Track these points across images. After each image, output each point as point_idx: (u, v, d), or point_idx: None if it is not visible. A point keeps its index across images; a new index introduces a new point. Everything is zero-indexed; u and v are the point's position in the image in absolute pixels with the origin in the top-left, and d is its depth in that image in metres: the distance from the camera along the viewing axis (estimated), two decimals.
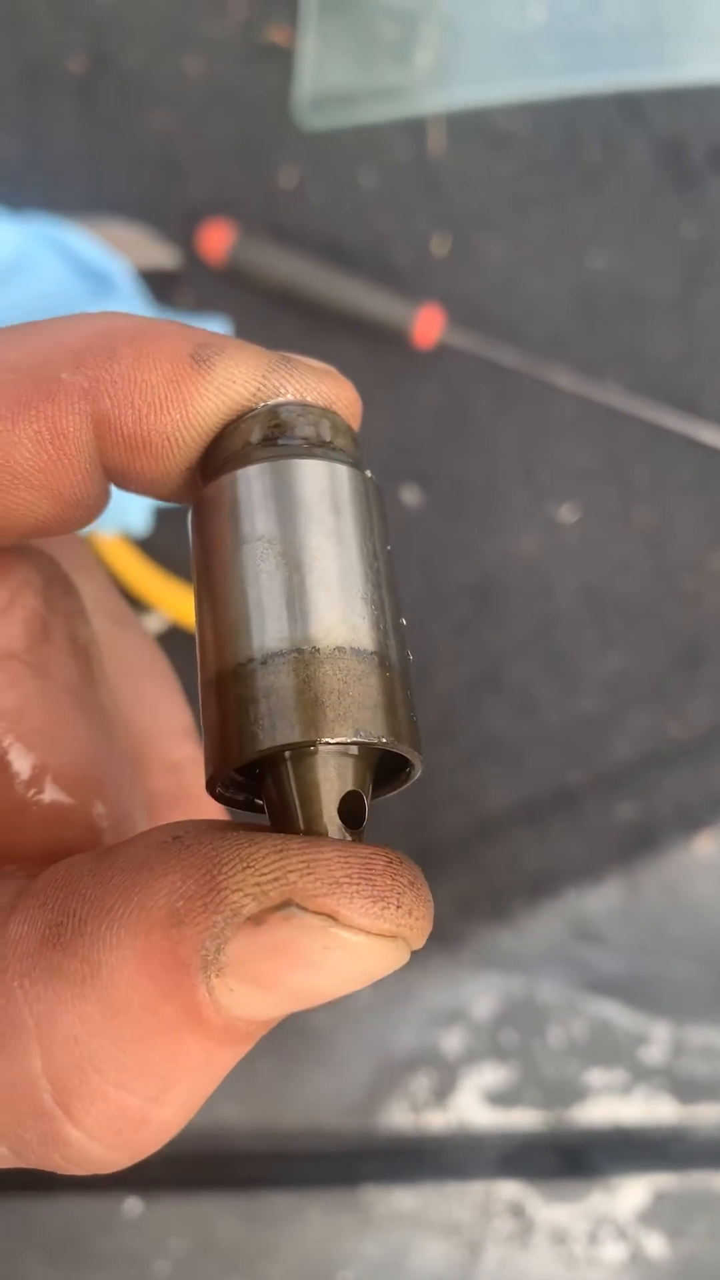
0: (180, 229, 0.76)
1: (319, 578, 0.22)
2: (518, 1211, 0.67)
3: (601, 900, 0.70)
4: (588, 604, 0.73)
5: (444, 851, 0.70)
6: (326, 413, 0.24)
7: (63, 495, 0.24)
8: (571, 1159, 0.68)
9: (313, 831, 0.21)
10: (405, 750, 0.22)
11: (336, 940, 0.19)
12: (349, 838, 0.21)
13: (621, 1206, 0.67)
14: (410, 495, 0.74)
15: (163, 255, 0.74)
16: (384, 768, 0.23)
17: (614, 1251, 0.66)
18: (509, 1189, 0.67)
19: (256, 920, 0.19)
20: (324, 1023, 0.69)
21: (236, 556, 0.22)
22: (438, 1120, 0.68)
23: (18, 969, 0.20)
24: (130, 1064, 0.19)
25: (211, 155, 0.78)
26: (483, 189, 0.77)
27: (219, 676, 0.22)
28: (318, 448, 0.24)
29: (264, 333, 0.75)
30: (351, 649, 0.21)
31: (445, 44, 0.77)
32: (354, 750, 0.22)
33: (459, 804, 0.70)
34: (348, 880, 0.19)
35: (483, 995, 0.69)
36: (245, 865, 0.19)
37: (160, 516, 0.72)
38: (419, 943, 0.20)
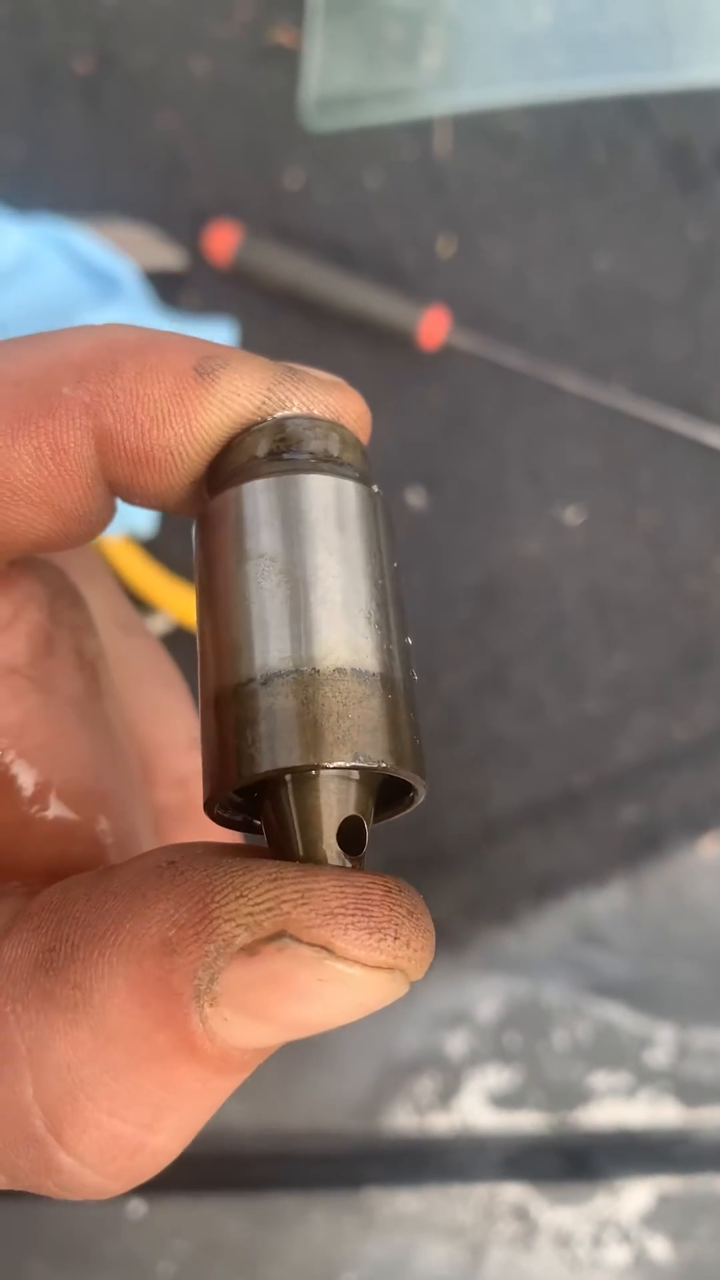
0: (186, 230, 0.76)
1: (321, 596, 0.21)
2: (521, 1214, 0.67)
3: (606, 902, 0.70)
4: (593, 606, 0.73)
5: (448, 853, 0.70)
6: (334, 426, 0.24)
7: (64, 511, 0.23)
8: (575, 1162, 0.67)
9: (311, 857, 0.21)
10: (406, 775, 0.21)
11: (331, 972, 0.18)
12: (348, 864, 0.21)
13: (625, 1209, 0.67)
14: (415, 497, 0.74)
15: (168, 256, 0.74)
16: (386, 791, 0.23)
17: (618, 1254, 0.66)
18: (513, 1191, 0.67)
19: (250, 950, 0.18)
20: None
21: (238, 573, 0.22)
22: (442, 1122, 0.68)
23: (10, 994, 0.19)
24: (123, 1092, 0.19)
25: (217, 156, 0.78)
26: (488, 191, 0.77)
27: (218, 696, 0.21)
28: (324, 462, 0.23)
29: (269, 334, 0.75)
30: (353, 670, 0.21)
31: (451, 46, 0.77)
32: (355, 774, 0.21)
33: (463, 806, 0.70)
34: (343, 911, 0.19)
35: (487, 997, 0.69)
36: (239, 894, 0.19)
37: (166, 518, 0.72)
38: (418, 974, 0.20)
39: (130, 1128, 0.19)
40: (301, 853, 0.21)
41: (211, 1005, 0.18)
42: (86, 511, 0.24)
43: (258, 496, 0.22)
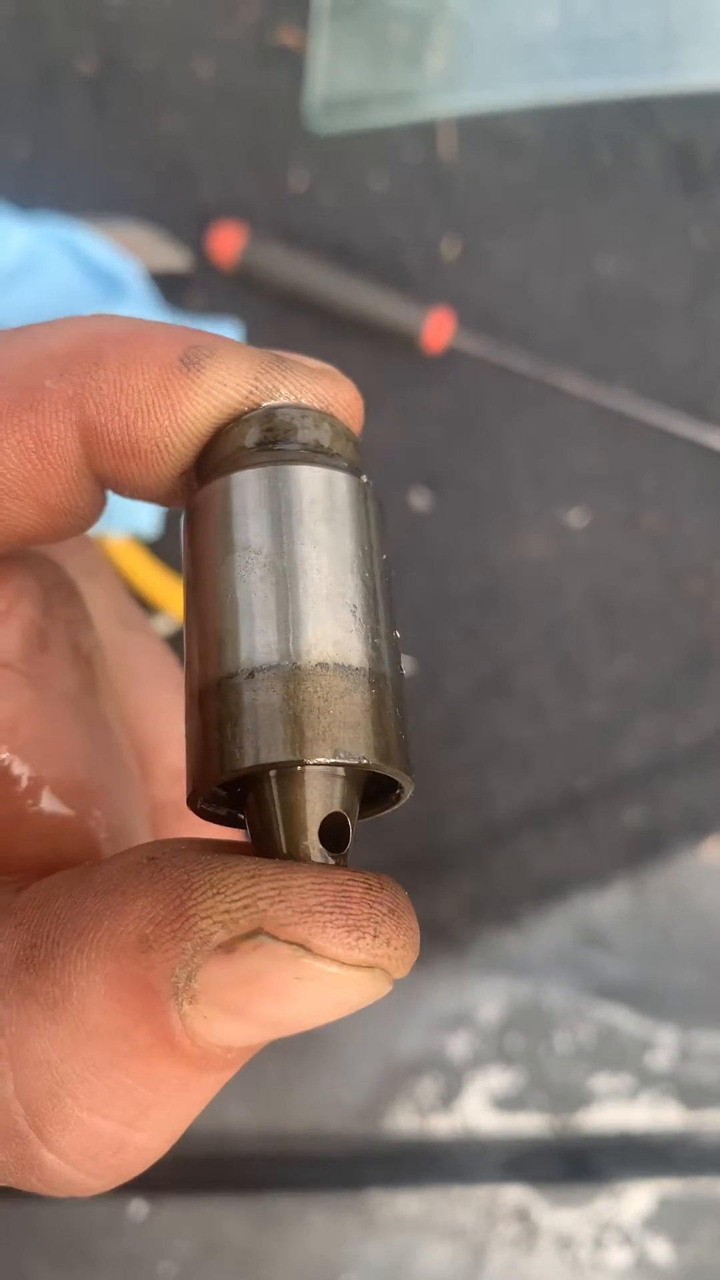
0: (190, 231, 0.76)
1: (306, 590, 0.21)
2: (523, 1216, 0.67)
3: (608, 905, 0.70)
4: (596, 608, 0.73)
5: (451, 855, 0.70)
6: (324, 415, 0.23)
7: (49, 504, 0.23)
8: (577, 1164, 0.67)
9: (293, 854, 0.20)
10: (389, 771, 0.21)
11: (308, 970, 0.18)
12: (331, 861, 0.21)
13: (626, 1212, 0.67)
14: (419, 499, 0.74)
15: (173, 257, 0.74)
16: (373, 787, 0.22)
17: (619, 1257, 0.66)
18: (514, 1193, 0.67)
19: (227, 948, 0.18)
20: (330, 1026, 0.69)
21: (223, 566, 0.22)
22: (443, 1124, 0.68)
23: None
24: (104, 1089, 0.19)
25: (222, 157, 0.78)
26: (493, 193, 0.77)
27: (202, 689, 0.21)
28: (312, 452, 0.23)
29: (273, 336, 0.75)
30: (335, 665, 0.20)
31: (456, 48, 0.77)
32: (340, 771, 0.21)
33: (466, 807, 0.70)
34: (320, 908, 0.18)
35: (489, 1000, 0.69)
36: (215, 891, 0.18)
37: (170, 518, 0.72)
38: (400, 972, 0.20)
39: (113, 1125, 0.19)
40: (284, 849, 0.20)
41: (191, 1003, 0.18)
42: (73, 505, 0.23)
43: (244, 487, 0.22)
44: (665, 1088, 0.68)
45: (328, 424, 0.23)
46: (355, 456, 0.24)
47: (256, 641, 0.21)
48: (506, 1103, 0.68)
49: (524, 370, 0.73)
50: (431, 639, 0.72)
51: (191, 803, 0.21)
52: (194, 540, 0.23)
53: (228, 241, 0.73)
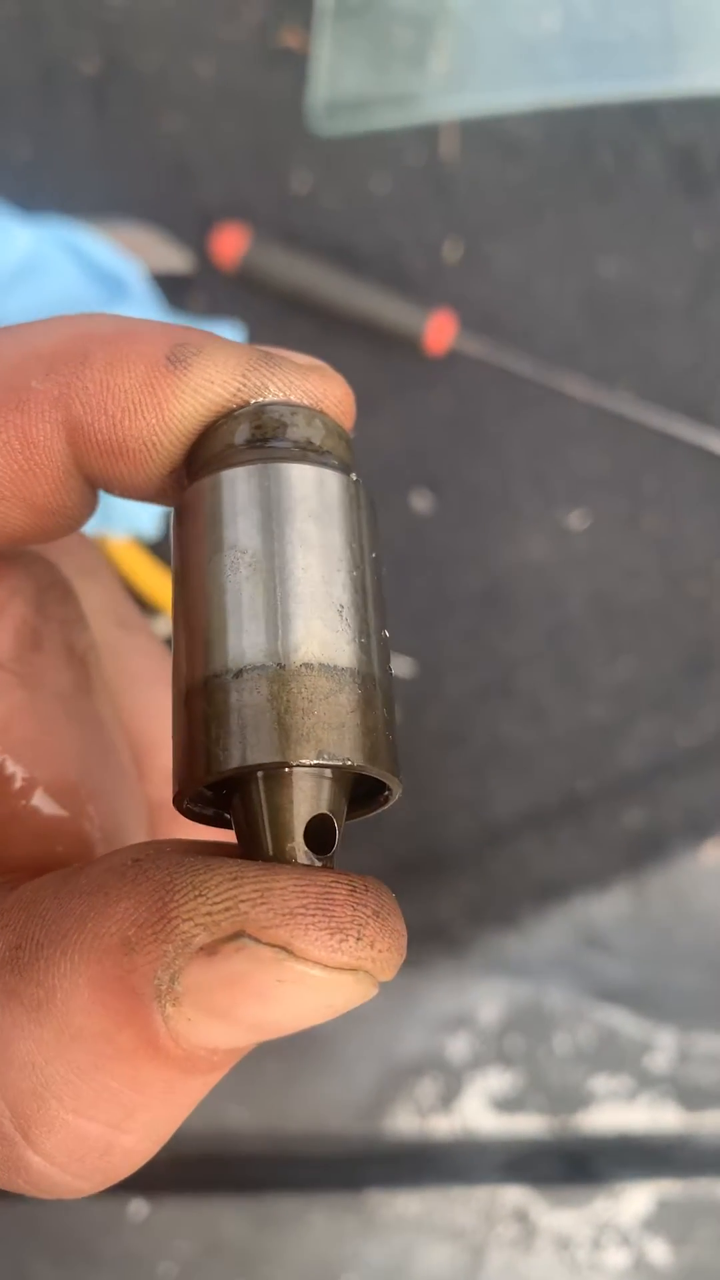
0: (192, 232, 0.76)
1: (292, 589, 0.21)
2: (522, 1217, 0.67)
3: (609, 907, 0.70)
4: (597, 611, 0.73)
5: (451, 856, 0.70)
6: (315, 413, 0.23)
7: (36, 505, 0.23)
8: (576, 1165, 0.68)
9: (278, 856, 0.20)
10: (375, 772, 0.20)
11: (291, 973, 0.18)
12: (317, 863, 0.20)
13: (625, 1213, 0.67)
14: (421, 501, 0.74)
15: (176, 259, 0.74)
16: (362, 788, 0.22)
17: (617, 1258, 0.67)
18: (513, 1194, 0.67)
19: (209, 950, 0.18)
20: (330, 1027, 0.69)
21: (211, 564, 0.21)
22: (443, 1125, 0.68)
23: None
24: (88, 1091, 0.19)
25: (224, 159, 0.78)
26: (495, 195, 0.77)
27: (188, 689, 0.21)
28: (303, 450, 0.23)
29: (275, 338, 0.75)
30: (321, 665, 0.20)
31: (459, 50, 0.77)
32: (327, 772, 0.21)
33: (467, 809, 0.70)
34: (303, 910, 0.18)
35: (489, 1001, 0.69)
36: (197, 893, 0.18)
37: (170, 518, 0.72)
38: (385, 975, 0.19)
39: (98, 1127, 0.19)
40: (270, 851, 0.20)
41: (174, 1005, 0.18)
42: (61, 505, 0.23)
43: (233, 485, 0.22)
44: (664, 1089, 0.69)
45: (319, 421, 0.23)
46: (346, 454, 0.24)
47: (243, 641, 0.20)
48: (506, 1104, 0.68)
49: (525, 372, 0.74)
50: (432, 640, 0.72)
51: (177, 803, 0.21)
52: (182, 538, 0.23)
53: (230, 243, 0.73)
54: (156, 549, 0.72)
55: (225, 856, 0.20)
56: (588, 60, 0.77)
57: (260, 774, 0.20)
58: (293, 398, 0.23)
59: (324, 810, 0.20)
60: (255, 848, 0.20)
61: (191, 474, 0.23)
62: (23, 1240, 0.65)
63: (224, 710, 0.20)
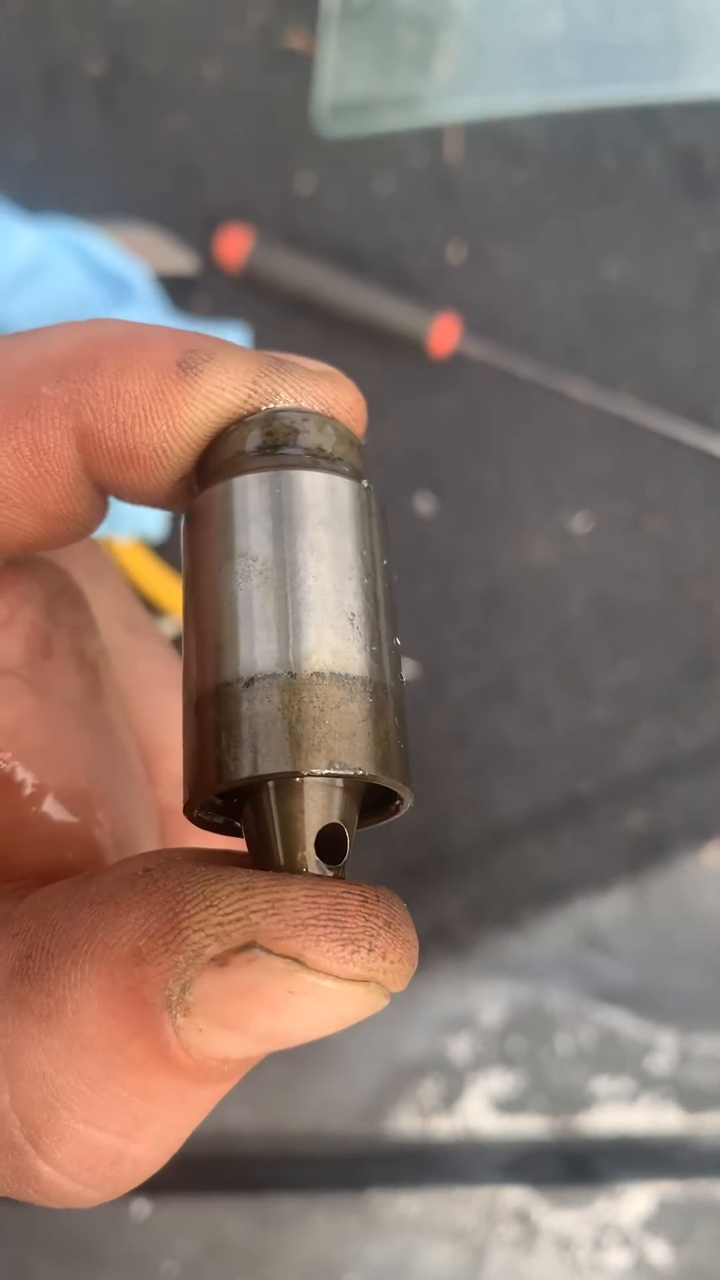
0: (197, 233, 0.76)
1: (303, 598, 0.21)
2: (523, 1217, 0.67)
3: (610, 909, 0.70)
4: (599, 613, 0.73)
5: (454, 858, 0.70)
6: (326, 420, 0.23)
7: (47, 511, 0.23)
8: (577, 1166, 0.68)
9: (289, 865, 0.20)
10: (387, 781, 0.20)
11: (303, 984, 0.18)
12: (328, 873, 0.20)
13: (626, 1214, 0.67)
14: (424, 503, 0.74)
15: (181, 260, 0.74)
16: (373, 796, 0.22)
17: (618, 1258, 0.67)
18: (514, 1195, 0.67)
19: (220, 961, 0.18)
20: None
21: (222, 572, 0.21)
22: (444, 1126, 0.68)
23: None
24: (99, 1101, 0.19)
25: (229, 160, 0.78)
26: (499, 198, 0.77)
27: (199, 697, 0.21)
28: (314, 457, 0.22)
29: (280, 340, 0.75)
30: (332, 674, 0.20)
31: (464, 53, 0.77)
32: (338, 782, 0.20)
33: (469, 811, 0.70)
34: (314, 921, 0.18)
35: (491, 1002, 0.69)
36: (208, 904, 0.18)
37: (176, 521, 0.72)
38: (397, 986, 0.19)
39: (109, 1137, 0.19)
40: (281, 861, 0.20)
41: (185, 1016, 0.18)
42: (71, 512, 0.23)
43: (244, 493, 0.22)
44: (665, 1091, 0.69)
45: (330, 428, 0.23)
46: (358, 460, 0.24)
47: (254, 650, 0.20)
48: (507, 1104, 0.68)
49: (529, 375, 0.74)
50: (435, 643, 0.72)
51: (188, 812, 0.21)
52: (193, 545, 0.22)
53: (234, 245, 0.73)
54: (162, 551, 0.72)
55: (236, 866, 0.20)
56: (591, 63, 0.77)
57: (271, 783, 0.20)
58: (304, 404, 0.23)
59: (335, 820, 0.20)
60: (266, 857, 0.20)
61: (202, 481, 0.23)
62: (26, 1240, 0.65)
63: (235, 719, 0.20)
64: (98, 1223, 0.65)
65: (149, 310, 0.71)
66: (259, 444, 0.22)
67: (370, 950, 0.19)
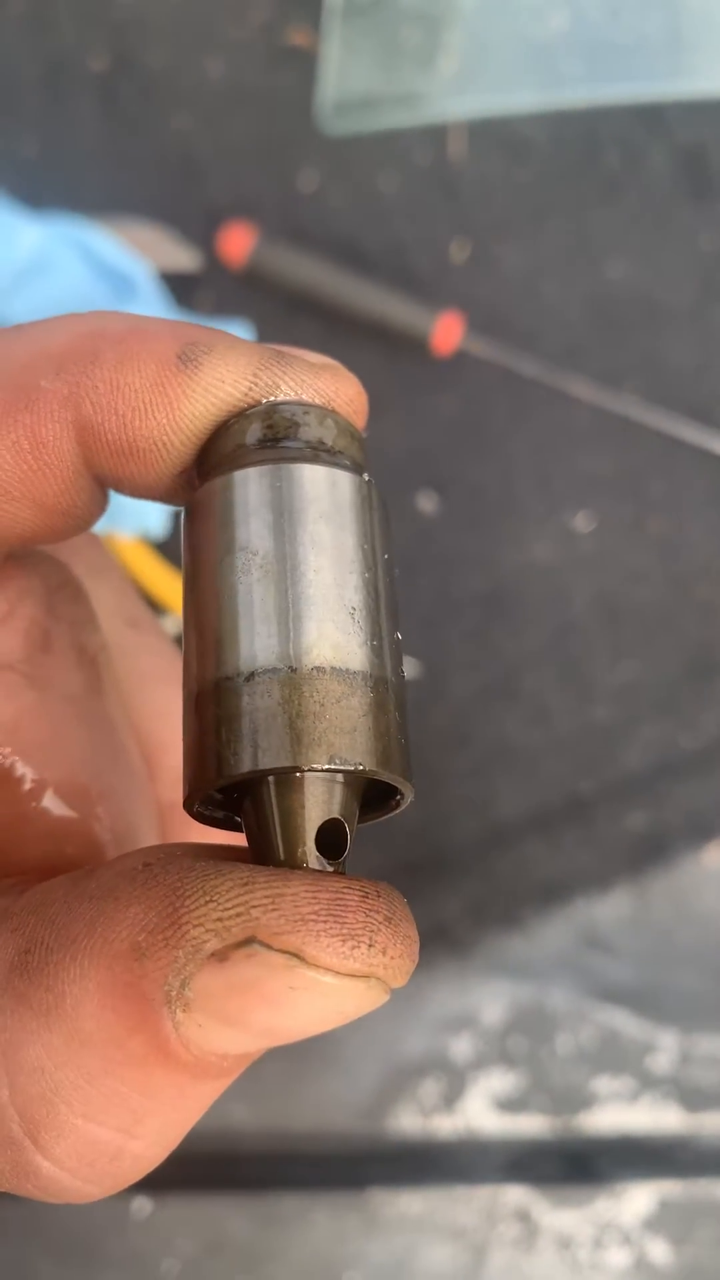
0: (200, 231, 0.76)
1: (303, 591, 0.20)
2: (523, 1216, 0.67)
3: (611, 909, 0.70)
4: (601, 613, 0.73)
5: (455, 858, 0.70)
6: (327, 413, 0.23)
7: (46, 505, 0.23)
8: (578, 1165, 0.68)
9: (290, 861, 0.20)
10: (387, 776, 0.20)
11: (302, 980, 0.18)
12: (329, 868, 0.20)
13: (627, 1213, 0.67)
14: (426, 502, 0.74)
15: (183, 257, 0.74)
16: (374, 791, 0.22)
17: (618, 1257, 0.67)
18: (515, 1194, 0.67)
19: (220, 956, 0.18)
20: None
21: (222, 565, 0.21)
22: (445, 1125, 0.68)
23: None
24: (98, 1096, 0.19)
25: (232, 157, 0.77)
26: (502, 196, 0.77)
27: (199, 691, 0.21)
28: (315, 451, 0.22)
29: (283, 337, 0.75)
30: (332, 669, 0.20)
31: (467, 51, 0.77)
32: (338, 777, 0.20)
33: (471, 811, 0.70)
34: (314, 917, 0.18)
35: (492, 1001, 0.69)
36: (208, 899, 0.18)
37: (179, 518, 0.72)
38: (397, 982, 0.19)
39: (108, 1132, 0.19)
40: (281, 856, 0.20)
41: (185, 1011, 0.18)
42: (71, 505, 0.23)
43: (244, 486, 0.21)
44: (666, 1090, 0.69)
45: (331, 421, 0.23)
46: (359, 454, 0.23)
47: (254, 644, 0.20)
48: (508, 1104, 0.69)
49: (532, 375, 0.74)
50: (437, 642, 0.72)
51: (188, 807, 0.21)
52: (193, 539, 0.22)
53: (237, 242, 0.73)
54: (164, 548, 0.72)
55: (236, 861, 0.20)
56: (595, 62, 0.77)
57: (271, 778, 0.20)
58: (305, 397, 0.23)
59: (336, 815, 0.20)
60: (266, 852, 0.20)
61: (203, 474, 0.23)
62: (26, 1238, 0.65)
63: (235, 713, 0.20)
64: (98, 1221, 0.65)
65: (152, 307, 0.71)
66: (259, 437, 0.22)
67: (370, 945, 0.18)
